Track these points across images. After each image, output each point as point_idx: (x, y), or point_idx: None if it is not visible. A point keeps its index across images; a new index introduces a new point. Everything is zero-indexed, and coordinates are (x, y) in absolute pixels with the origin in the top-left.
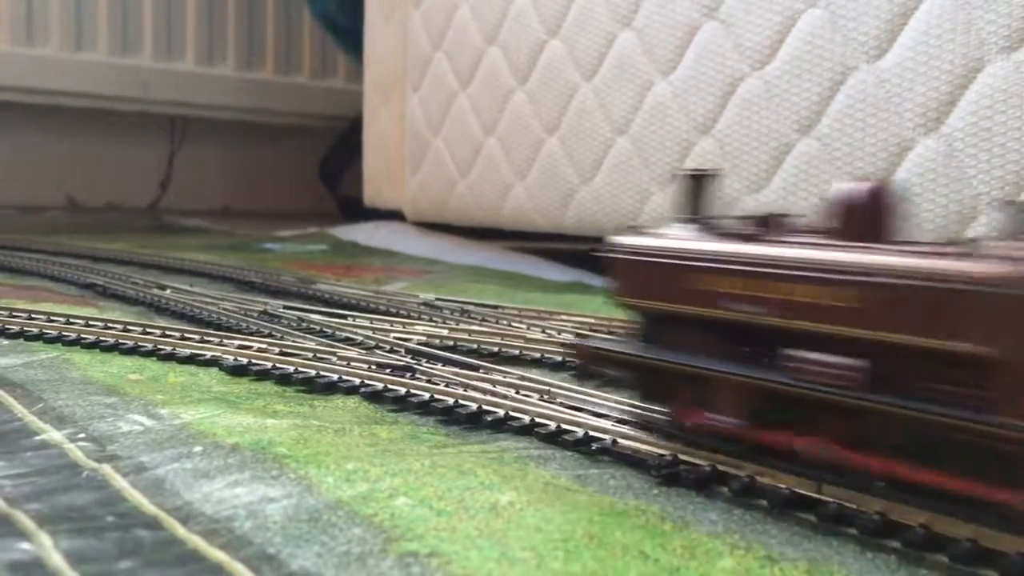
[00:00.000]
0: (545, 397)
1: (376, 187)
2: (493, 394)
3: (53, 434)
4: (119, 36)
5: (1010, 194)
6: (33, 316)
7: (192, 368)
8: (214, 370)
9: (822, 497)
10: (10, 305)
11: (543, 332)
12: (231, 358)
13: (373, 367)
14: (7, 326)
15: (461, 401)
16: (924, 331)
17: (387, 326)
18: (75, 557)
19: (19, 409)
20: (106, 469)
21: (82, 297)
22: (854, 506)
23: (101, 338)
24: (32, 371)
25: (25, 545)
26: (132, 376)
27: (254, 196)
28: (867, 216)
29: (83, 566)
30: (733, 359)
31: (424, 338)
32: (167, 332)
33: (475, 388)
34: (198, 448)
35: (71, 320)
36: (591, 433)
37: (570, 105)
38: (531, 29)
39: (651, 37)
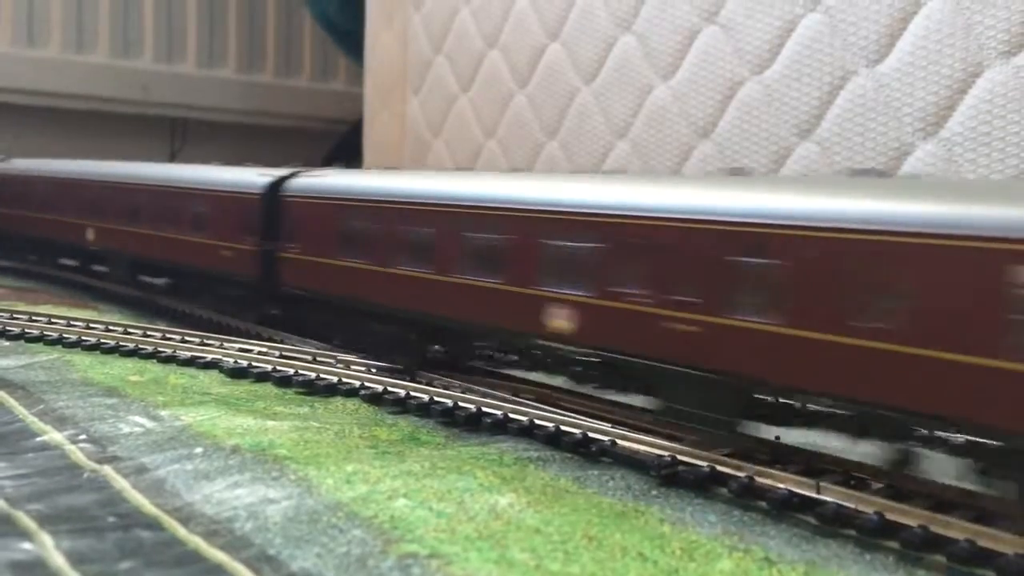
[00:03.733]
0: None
1: None
2: (492, 396)
3: (54, 435)
4: (120, 38)
5: None
6: (34, 318)
7: (193, 370)
8: (215, 372)
9: (821, 497)
10: (11, 307)
11: None
12: (232, 360)
13: (373, 370)
14: (8, 328)
15: (460, 403)
16: None
17: None
18: (76, 557)
19: (20, 410)
20: (107, 470)
21: (81, 300)
22: (852, 506)
23: (102, 340)
24: (33, 373)
25: (26, 545)
26: (133, 378)
27: None
28: None
29: (84, 566)
30: None
31: None
32: (168, 335)
33: (473, 391)
34: (199, 449)
35: (72, 322)
36: (590, 434)
37: (570, 108)
38: (532, 33)
39: (651, 41)
